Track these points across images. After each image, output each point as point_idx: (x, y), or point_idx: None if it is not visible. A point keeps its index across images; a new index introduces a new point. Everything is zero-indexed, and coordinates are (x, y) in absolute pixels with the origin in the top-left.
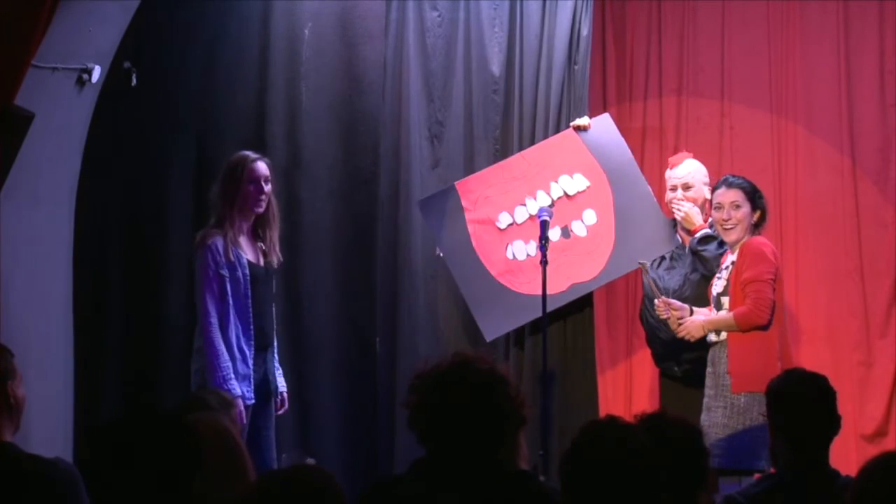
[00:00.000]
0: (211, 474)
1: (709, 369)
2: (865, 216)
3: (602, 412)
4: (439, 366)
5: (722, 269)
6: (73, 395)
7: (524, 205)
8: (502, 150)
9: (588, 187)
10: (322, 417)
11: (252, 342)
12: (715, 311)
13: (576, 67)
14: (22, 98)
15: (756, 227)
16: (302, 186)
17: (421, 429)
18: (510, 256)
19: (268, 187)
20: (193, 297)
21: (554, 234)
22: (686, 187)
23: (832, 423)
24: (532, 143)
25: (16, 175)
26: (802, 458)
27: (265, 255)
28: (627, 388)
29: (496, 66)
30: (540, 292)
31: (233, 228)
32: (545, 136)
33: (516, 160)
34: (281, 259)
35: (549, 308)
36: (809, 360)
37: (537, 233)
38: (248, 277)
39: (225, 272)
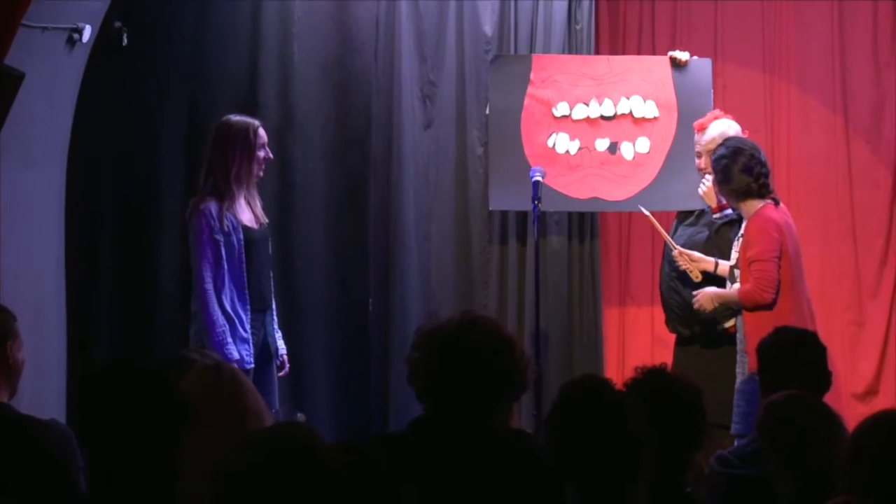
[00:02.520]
0: (207, 426)
1: (738, 346)
2: (858, 176)
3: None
4: (446, 324)
5: (735, 240)
6: (65, 354)
7: (587, 104)
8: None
9: (655, 118)
10: (315, 377)
11: (248, 306)
12: (729, 284)
13: (578, 27)
14: (12, 58)
15: (745, 195)
16: (294, 147)
17: (420, 385)
18: (550, 144)
19: None
20: (189, 261)
21: (601, 144)
22: (711, 154)
23: (822, 380)
24: None
25: (7, 135)
26: None
27: (257, 217)
28: (621, 349)
29: (488, 26)
30: (561, 189)
31: (231, 194)
32: None
33: (599, 60)
34: (266, 220)
35: (562, 208)
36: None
37: (586, 133)
38: (243, 242)
39: (219, 237)
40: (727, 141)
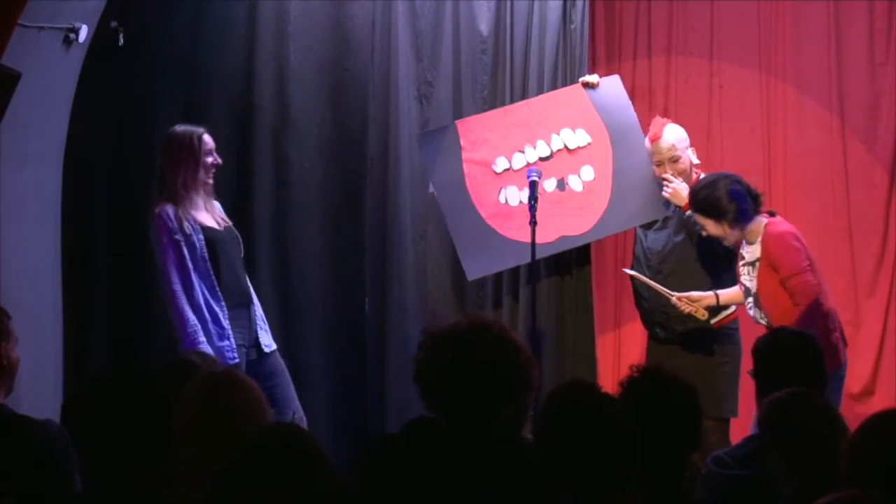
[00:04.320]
0: (205, 433)
1: None
2: (854, 175)
3: (600, 374)
4: (454, 325)
5: (744, 263)
6: (62, 354)
7: (523, 152)
8: (490, 111)
9: (589, 144)
10: (311, 377)
11: (222, 302)
12: (753, 304)
13: (572, 27)
14: (8, 57)
15: (744, 220)
16: (290, 146)
17: (425, 385)
18: (502, 200)
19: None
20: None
21: (549, 184)
22: (674, 160)
23: (818, 382)
24: None
25: (3, 135)
26: None
27: (218, 221)
28: (616, 350)
29: (484, 25)
30: (528, 239)
31: (184, 199)
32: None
33: (520, 107)
34: (229, 222)
35: (536, 257)
36: None
37: None
38: (204, 242)
39: (179, 237)
40: (702, 183)
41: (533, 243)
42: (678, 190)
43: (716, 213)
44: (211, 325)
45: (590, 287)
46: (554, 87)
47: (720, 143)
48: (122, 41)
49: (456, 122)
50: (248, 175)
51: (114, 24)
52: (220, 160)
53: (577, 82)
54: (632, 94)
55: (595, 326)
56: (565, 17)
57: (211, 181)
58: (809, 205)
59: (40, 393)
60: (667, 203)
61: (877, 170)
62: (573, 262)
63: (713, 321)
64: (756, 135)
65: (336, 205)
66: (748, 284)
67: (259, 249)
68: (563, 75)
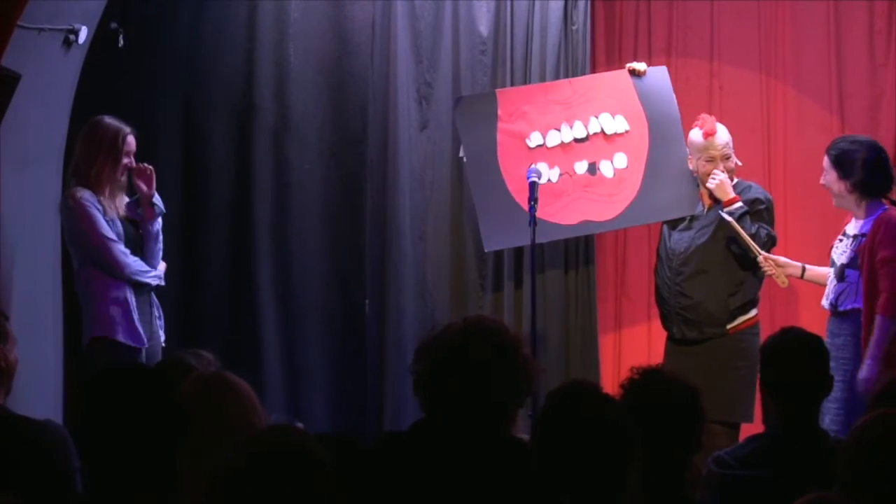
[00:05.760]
0: (200, 434)
1: (828, 340)
2: None
3: (601, 375)
4: (447, 331)
5: (846, 237)
6: (62, 354)
7: (559, 130)
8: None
9: (627, 132)
10: (311, 378)
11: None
12: (833, 278)
13: (573, 28)
14: (8, 59)
15: (864, 192)
16: (290, 148)
17: (425, 397)
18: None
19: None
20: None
21: (580, 167)
22: (726, 157)
23: (823, 383)
24: None
25: (3, 136)
26: (792, 417)
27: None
28: (617, 350)
29: (484, 27)
30: (550, 218)
31: (102, 192)
32: None
33: (562, 85)
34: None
35: (555, 237)
36: (798, 320)
37: (564, 159)
38: (123, 235)
39: (101, 216)
40: (849, 138)
41: (533, 244)
42: (725, 182)
43: (845, 169)
44: (132, 310)
45: (593, 287)
46: None
47: None
48: (122, 43)
49: (496, 90)
50: (248, 176)
51: (114, 25)
52: (135, 163)
53: (625, 68)
54: None
55: (598, 327)
56: (566, 17)
57: (124, 179)
58: (809, 205)
59: (40, 393)
60: (696, 203)
61: None
62: (575, 261)
63: (728, 326)
64: (756, 136)
65: (336, 205)
66: (835, 257)
67: (259, 250)
68: (564, 77)
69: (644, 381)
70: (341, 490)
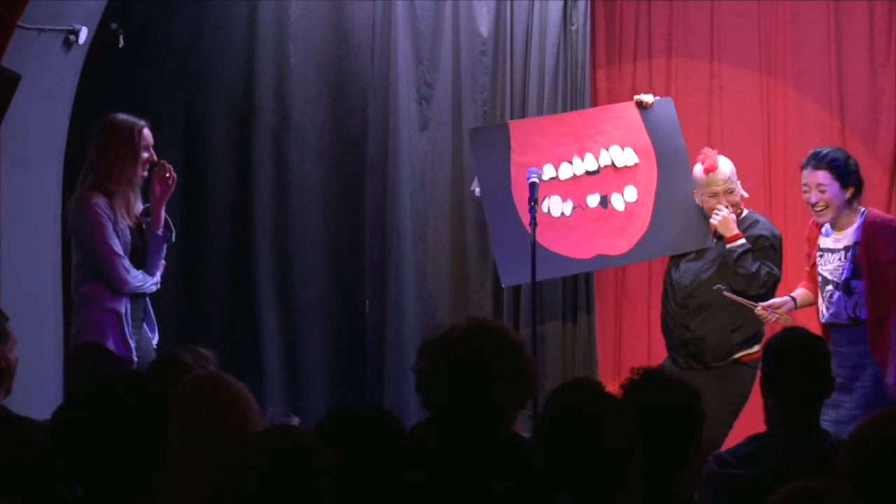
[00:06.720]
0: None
1: (843, 349)
2: None
3: (601, 375)
4: (451, 331)
5: (829, 251)
6: (62, 354)
7: (570, 162)
8: (490, 113)
9: (636, 164)
10: (311, 378)
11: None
12: (839, 294)
13: (573, 28)
14: (8, 59)
15: (859, 195)
16: (291, 148)
17: (427, 395)
18: (545, 210)
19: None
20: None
21: (592, 200)
22: (729, 192)
23: (825, 384)
24: (524, 105)
25: (3, 136)
26: (793, 418)
27: (133, 220)
28: (617, 350)
29: (484, 27)
30: (566, 252)
31: (114, 194)
32: (538, 100)
33: (573, 117)
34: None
35: (571, 272)
36: (798, 322)
37: (576, 192)
38: (130, 245)
39: (115, 229)
40: (822, 150)
41: (533, 243)
42: (728, 219)
43: (844, 177)
44: (125, 322)
45: (592, 288)
46: (555, 89)
47: (720, 145)
48: (122, 43)
49: (509, 122)
50: (248, 176)
51: (114, 25)
52: (156, 157)
53: (632, 100)
54: (632, 96)
55: (597, 327)
56: (566, 18)
57: (145, 175)
58: None
59: (40, 393)
60: (706, 237)
61: (877, 171)
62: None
63: (738, 355)
64: (756, 136)
65: (336, 206)
66: (826, 274)
67: (259, 250)
68: (564, 77)
69: (644, 382)
70: (342, 490)
